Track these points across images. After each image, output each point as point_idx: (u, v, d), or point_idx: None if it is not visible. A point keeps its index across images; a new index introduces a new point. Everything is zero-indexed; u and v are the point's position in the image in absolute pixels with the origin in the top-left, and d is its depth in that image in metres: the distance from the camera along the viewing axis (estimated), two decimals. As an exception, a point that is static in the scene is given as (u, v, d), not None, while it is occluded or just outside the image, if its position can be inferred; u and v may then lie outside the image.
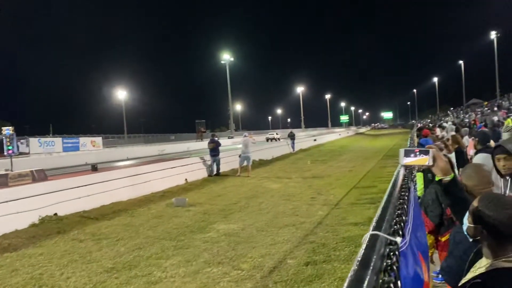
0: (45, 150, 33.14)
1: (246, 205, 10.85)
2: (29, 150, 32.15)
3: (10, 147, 18.90)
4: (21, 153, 31.66)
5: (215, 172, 17.22)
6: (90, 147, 39.05)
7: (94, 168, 20.10)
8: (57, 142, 35.50)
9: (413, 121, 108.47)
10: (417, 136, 11.79)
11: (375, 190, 11.67)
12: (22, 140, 32.87)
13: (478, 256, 1.73)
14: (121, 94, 56.99)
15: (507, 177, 3.04)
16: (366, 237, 0.98)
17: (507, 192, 3.03)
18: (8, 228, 8.36)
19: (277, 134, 58.99)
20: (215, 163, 17.34)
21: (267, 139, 50.17)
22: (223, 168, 18.33)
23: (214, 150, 17.28)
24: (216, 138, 18.10)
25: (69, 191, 10.41)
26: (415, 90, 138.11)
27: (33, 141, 33.10)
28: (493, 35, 57.48)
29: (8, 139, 18.97)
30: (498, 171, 3.13)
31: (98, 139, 42.24)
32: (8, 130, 19.25)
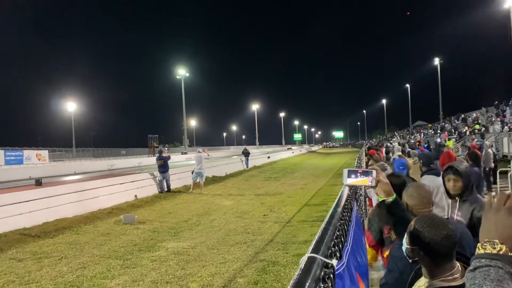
0: (-16, 163, 31.25)
1: (198, 223, 10.70)
2: (-33, 162, 30.22)
3: None
4: (-43, 166, 29.73)
5: (166, 189, 16.87)
6: (35, 160, 37.18)
7: (38, 183, 19.12)
8: (-1, 154, 33.54)
9: (363, 141, 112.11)
10: (366, 155, 12.17)
11: (325, 207, 11.90)
12: (-41, 152, 30.88)
13: (418, 275, 1.78)
14: (70, 106, 55.03)
15: (456, 198, 3.17)
16: (303, 259, 0.99)
17: (455, 212, 3.16)
18: None
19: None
20: (164, 180, 16.99)
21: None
22: (176, 184, 18.03)
23: (163, 166, 16.92)
24: (164, 154, 17.56)
25: (8, 207, 9.82)
26: (364, 111, 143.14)
27: (-28, 153, 31.15)
28: (436, 61, 60.89)
29: None
30: (447, 192, 3.24)
31: (44, 152, 40.26)
32: None
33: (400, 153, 11.84)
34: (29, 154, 37.22)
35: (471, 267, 1.01)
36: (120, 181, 15.07)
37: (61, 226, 10.18)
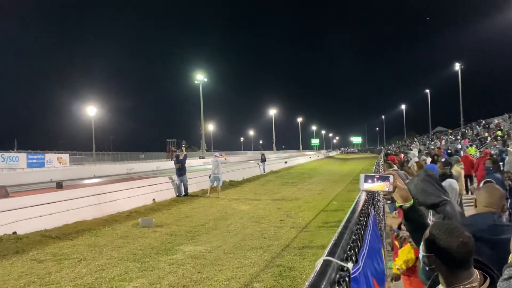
0: (8, 165, 31.95)
1: (214, 227, 10.74)
2: (-9, 165, 30.98)
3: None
4: (-18, 168, 30.49)
5: (183, 193, 16.97)
6: (56, 163, 37.91)
7: (59, 186, 19.52)
8: (22, 157, 34.28)
9: (381, 146, 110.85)
10: (384, 161, 12.06)
11: (342, 213, 11.79)
12: (-17, 155, 31.69)
13: (436, 283, 1.76)
14: (90, 111, 56.00)
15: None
16: (319, 262, 1.00)
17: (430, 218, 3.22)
18: (-37, 247, 7.95)
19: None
20: (182, 184, 17.10)
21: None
22: (193, 189, 18.14)
23: (180, 169, 17.03)
24: (181, 158, 17.49)
25: (30, 209, 10.04)
26: (383, 117, 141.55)
27: (-4, 156, 31.93)
28: (457, 66, 59.98)
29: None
30: None
31: (65, 156, 41.06)
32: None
33: (417, 159, 11.71)
34: (51, 157, 37.96)
35: (505, 276, 1.00)
36: (138, 185, 15.26)
37: (81, 228, 10.35)
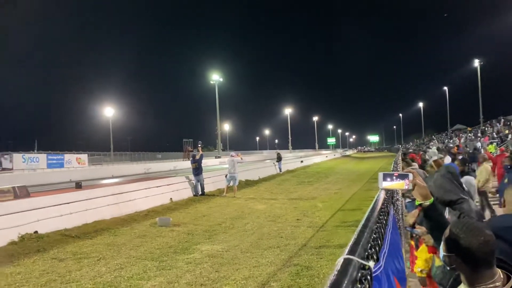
0: (29, 166, 32.66)
1: (231, 226, 10.77)
2: (13, 166, 31.71)
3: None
4: (4, 169, 31.25)
5: (200, 192, 17.06)
6: (75, 164, 38.59)
7: (78, 186, 19.86)
8: (42, 158, 35.01)
9: (399, 145, 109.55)
10: (403, 160, 11.91)
11: (360, 213, 11.69)
12: (5, 156, 32.51)
13: (458, 282, 1.73)
14: (108, 112, 56.74)
15: None
16: (339, 261, 0.99)
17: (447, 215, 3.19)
18: (-14, 245, 8.13)
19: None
20: (199, 183, 17.19)
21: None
22: (210, 188, 18.22)
23: (197, 169, 17.12)
24: (197, 157, 17.57)
25: (50, 209, 10.20)
26: (401, 115, 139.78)
27: (17, 156, 32.65)
28: (476, 63, 58.85)
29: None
30: None
31: (84, 156, 41.79)
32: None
33: (436, 157, 11.53)
34: (70, 158, 38.70)
35: None
36: (156, 185, 15.38)
37: (100, 227, 10.48)
